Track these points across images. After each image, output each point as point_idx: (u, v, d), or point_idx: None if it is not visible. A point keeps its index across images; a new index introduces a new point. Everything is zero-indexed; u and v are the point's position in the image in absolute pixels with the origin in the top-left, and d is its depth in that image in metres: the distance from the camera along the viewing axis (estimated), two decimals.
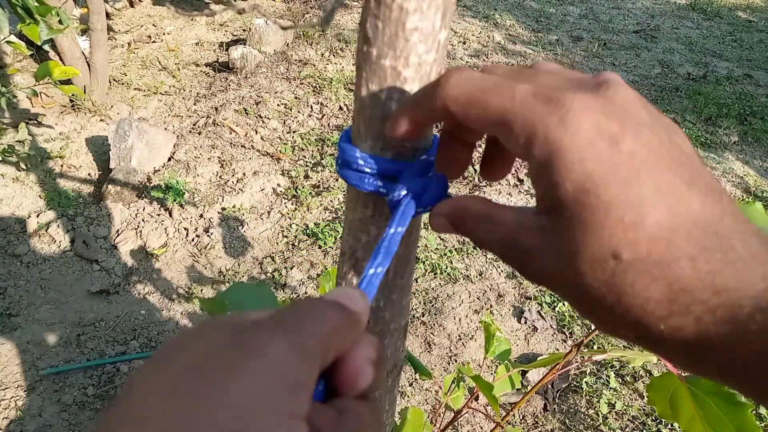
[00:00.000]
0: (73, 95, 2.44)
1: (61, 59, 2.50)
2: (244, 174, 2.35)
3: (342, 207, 2.24)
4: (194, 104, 2.77)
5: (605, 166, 0.21)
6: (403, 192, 0.31)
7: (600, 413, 1.60)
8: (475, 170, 2.50)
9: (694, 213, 0.20)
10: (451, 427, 1.51)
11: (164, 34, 3.32)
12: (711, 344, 0.20)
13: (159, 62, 3.05)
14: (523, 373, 1.66)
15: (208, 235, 2.06)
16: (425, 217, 0.33)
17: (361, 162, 0.31)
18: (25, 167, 2.20)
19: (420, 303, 1.90)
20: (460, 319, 1.86)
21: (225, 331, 0.19)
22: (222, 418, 0.16)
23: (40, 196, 2.14)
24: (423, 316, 1.85)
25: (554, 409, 1.62)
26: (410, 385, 1.65)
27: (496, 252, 0.26)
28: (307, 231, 2.12)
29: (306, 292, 1.89)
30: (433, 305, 1.89)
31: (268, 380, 0.18)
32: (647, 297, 0.21)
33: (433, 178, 0.32)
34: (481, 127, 0.25)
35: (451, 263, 2.05)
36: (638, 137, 0.21)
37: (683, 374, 0.58)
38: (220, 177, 2.34)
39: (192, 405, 0.17)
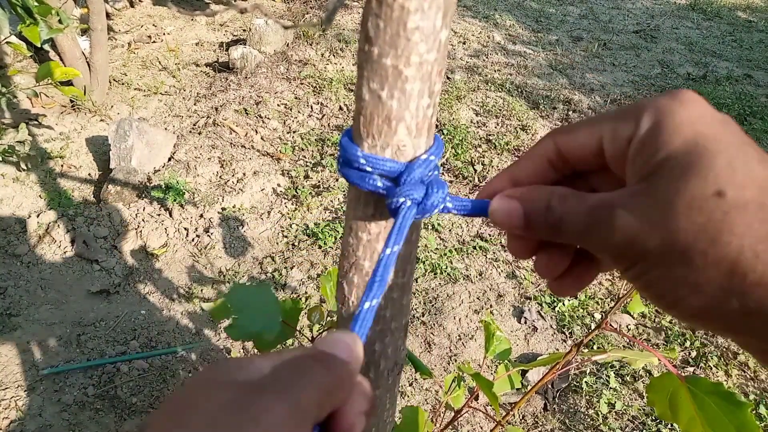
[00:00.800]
0: (73, 95, 2.44)
1: (61, 59, 2.50)
2: (244, 174, 2.35)
3: (342, 207, 2.24)
4: (194, 104, 2.77)
5: (716, 130, 0.23)
6: (401, 199, 0.31)
7: (600, 413, 1.60)
8: (478, 182, 2.51)
9: None
10: (451, 426, 1.51)
11: (164, 34, 3.32)
12: None
13: (159, 62, 3.05)
14: (523, 373, 1.66)
15: (208, 235, 2.06)
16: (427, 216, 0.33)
17: (362, 161, 0.31)
18: (25, 167, 2.20)
19: (420, 303, 1.90)
20: (460, 319, 1.86)
21: (229, 391, 0.21)
22: None
23: (40, 196, 2.15)
24: (423, 316, 1.85)
25: (554, 408, 1.62)
26: (410, 384, 1.65)
27: (578, 229, 0.26)
28: (307, 231, 2.12)
29: (306, 292, 1.89)
30: (433, 305, 1.89)
31: None
32: (750, 235, 0.21)
33: (434, 183, 0.32)
34: (589, 137, 0.27)
35: (451, 263, 2.05)
36: (734, 125, 0.24)
37: (683, 374, 0.58)
38: (220, 177, 2.34)
39: None
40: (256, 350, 0.61)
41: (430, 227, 2.19)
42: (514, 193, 0.29)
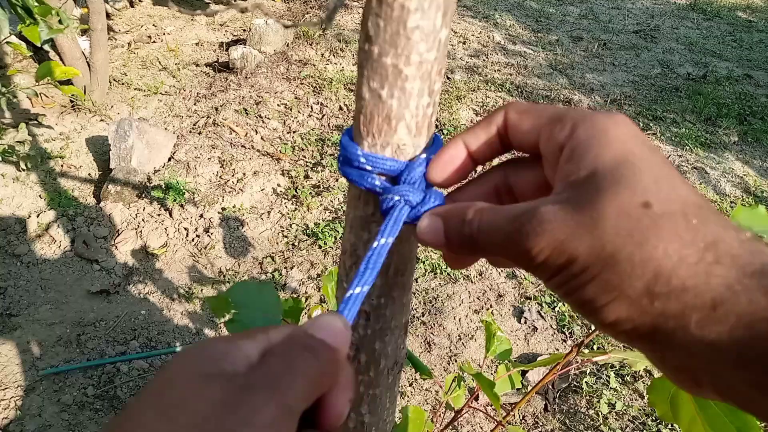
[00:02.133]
0: (73, 95, 2.44)
1: (61, 59, 2.50)
2: (244, 174, 2.35)
3: (342, 207, 2.24)
4: (194, 104, 2.77)
5: (644, 151, 0.25)
6: (396, 197, 0.31)
7: (600, 413, 1.60)
8: None
9: (706, 200, 0.24)
10: (451, 426, 1.51)
11: (164, 34, 3.32)
12: (727, 306, 0.21)
13: (159, 62, 3.05)
14: (523, 373, 1.66)
15: (208, 235, 2.06)
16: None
17: (362, 160, 0.31)
18: (25, 167, 2.20)
19: (420, 303, 1.90)
20: (460, 319, 1.86)
21: (218, 387, 0.21)
22: None
23: (40, 196, 2.15)
24: (423, 315, 1.85)
25: (554, 409, 1.62)
26: (410, 385, 1.65)
27: (496, 241, 0.26)
28: (307, 231, 2.12)
29: (306, 292, 1.89)
30: (433, 305, 1.89)
31: None
32: (676, 240, 0.22)
33: (432, 192, 0.32)
34: (532, 129, 0.28)
35: None
36: (660, 151, 0.26)
37: None
38: (220, 177, 2.34)
39: None
40: None
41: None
42: (439, 211, 0.30)
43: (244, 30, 3.44)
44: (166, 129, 2.54)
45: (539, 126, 0.28)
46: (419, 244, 0.35)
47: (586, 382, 1.68)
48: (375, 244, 0.30)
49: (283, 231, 2.14)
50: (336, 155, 2.51)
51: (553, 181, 0.27)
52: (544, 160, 0.28)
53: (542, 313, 1.89)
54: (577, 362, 0.87)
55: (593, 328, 0.50)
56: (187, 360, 0.22)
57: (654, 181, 0.23)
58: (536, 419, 1.59)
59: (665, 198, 0.23)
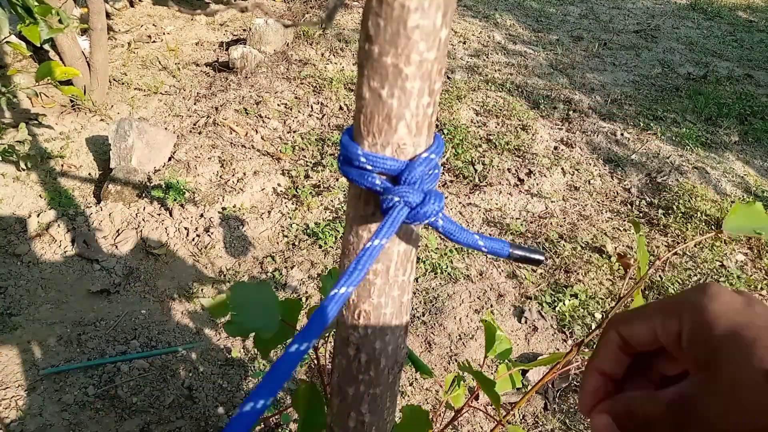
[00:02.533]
0: (73, 95, 2.44)
1: (61, 59, 2.50)
2: (244, 174, 2.35)
3: (342, 207, 2.24)
4: (194, 104, 2.77)
5: (747, 317, 0.27)
6: (396, 198, 0.31)
7: None
8: (479, 180, 2.50)
9: None
10: (451, 426, 1.51)
11: (164, 33, 3.32)
12: None
13: (159, 62, 3.05)
14: (524, 373, 1.66)
15: (208, 235, 2.06)
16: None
17: (362, 159, 0.31)
18: (25, 167, 2.20)
19: (420, 303, 1.90)
20: (460, 319, 1.86)
21: None
22: None
23: (40, 195, 2.15)
24: (423, 315, 1.85)
25: (554, 408, 1.62)
26: (410, 384, 1.65)
27: (663, 429, 0.28)
28: (308, 231, 2.12)
29: (306, 292, 1.89)
30: (433, 305, 1.89)
31: None
32: None
33: (433, 193, 0.32)
34: (647, 334, 0.31)
35: (452, 263, 2.05)
36: (759, 306, 0.29)
37: None
38: (220, 177, 2.34)
39: None
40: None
41: (430, 227, 2.19)
42: (603, 408, 0.32)
43: (244, 30, 3.44)
44: (166, 129, 2.54)
45: (651, 327, 0.31)
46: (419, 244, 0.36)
47: None
48: (369, 244, 0.30)
49: (283, 231, 2.14)
50: (336, 155, 2.51)
51: (686, 365, 0.29)
52: (668, 347, 0.31)
53: (543, 313, 1.89)
54: (577, 362, 0.86)
55: (593, 327, 0.50)
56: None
57: (765, 348, 0.25)
58: (536, 419, 1.59)
59: None
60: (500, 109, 2.94)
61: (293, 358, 0.27)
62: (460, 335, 1.80)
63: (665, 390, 0.29)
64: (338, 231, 2.10)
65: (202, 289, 1.88)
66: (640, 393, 0.31)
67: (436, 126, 0.34)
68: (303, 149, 2.53)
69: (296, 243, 2.08)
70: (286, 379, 0.26)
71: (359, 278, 0.30)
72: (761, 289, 2.05)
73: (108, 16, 2.98)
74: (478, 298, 1.94)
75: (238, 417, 0.25)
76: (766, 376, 0.25)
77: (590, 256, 2.11)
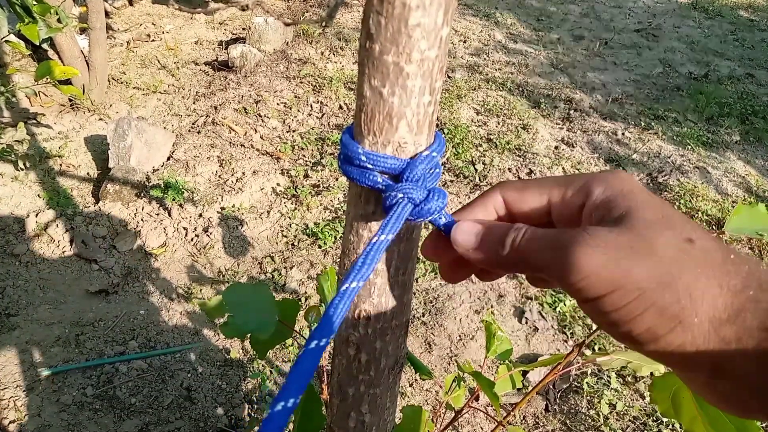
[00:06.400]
0: (72, 94, 2.44)
1: (60, 58, 2.50)
2: (243, 173, 2.34)
3: (342, 206, 2.23)
4: (193, 103, 2.77)
5: (659, 200, 0.27)
6: (399, 195, 0.31)
7: (601, 414, 1.60)
8: (480, 180, 2.50)
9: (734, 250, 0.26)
10: (451, 426, 1.51)
11: (163, 32, 3.32)
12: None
13: (158, 61, 3.04)
14: (524, 374, 1.66)
15: (207, 235, 2.06)
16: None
17: (363, 158, 0.31)
18: (23, 166, 2.19)
19: (420, 303, 1.89)
20: (460, 319, 1.85)
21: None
22: None
23: (39, 195, 2.14)
24: (423, 316, 1.85)
25: (555, 409, 1.62)
26: (410, 385, 1.64)
27: (544, 257, 0.26)
28: (307, 231, 2.12)
29: (306, 292, 1.89)
30: (433, 305, 1.89)
31: None
32: (723, 272, 0.23)
33: (436, 190, 0.32)
34: (537, 202, 0.30)
35: None
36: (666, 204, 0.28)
37: None
38: (219, 176, 2.33)
39: None
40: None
41: (430, 226, 2.19)
42: (482, 221, 0.31)
43: (244, 28, 3.43)
44: (165, 128, 2.53)
45: (546, 197, 0.29)
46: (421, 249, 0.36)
47: (587, 382, 1.68)
48: (375, 239, 0.30)
49: (282, 231, 2.13)
50: (336, 154, 2.50)
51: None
52: (559, 220, 0.29)
53: (543, 314, 1.89)
54: (578, 362, 0.86)
55: (594, 328, 0.50)
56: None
57: (687, 223, 0.25)
58: (537, 419, 1.59)
59: (702, 237, 0.24)
60: (501, 109, 2.94)
61: (314, 354, 0.27)
62: (460, 336, 1.80)
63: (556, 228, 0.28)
64: (338, 231, 2.10)
65: (200, 290, 1.87)
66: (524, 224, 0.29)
67: (437, 125, 0.34)
68: (302, 149, 2.53)
69: (295, 243, 2.07)
70: (310, 375, 0.26)
71: (368, 273, 0.30)
72: None
73: (107, 14, 2.98)
74: (479, 298, 1.93)
75: (270, 418, 0.25)
76: (689, 240, 0.24)
77: None
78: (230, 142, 2.51)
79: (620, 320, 0.24)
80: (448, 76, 3.20)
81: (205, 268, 1.96)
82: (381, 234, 0.30)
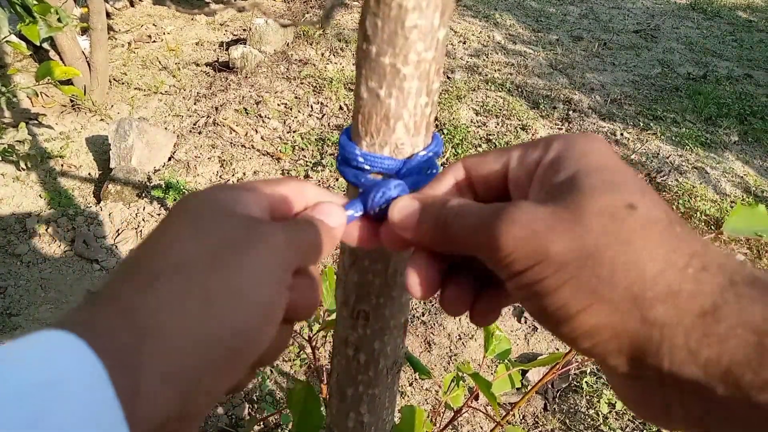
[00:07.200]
0: (73, 95, 2.44)
1: (61, 59, 2.50)
2: (244, 174, 2.35)
3: None
4: (194, 104, 2.77)
5: (621, 163, 0.25)
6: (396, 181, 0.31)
7: (600, 413, 1.60)
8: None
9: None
10: (451, 426, 1.51)
11: (164, 33, 3.32)
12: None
13: (159, 62, 3.05)
14: (523, 373, 1.66)
15: None
16: None
17: (360, 159, 0.31)
18: (25, 167, 2.20)
19: (420, 302, 1.90)
20: (460, 319, 1.86)
21: (239, 223, 0.25)
22: (243, 282, 0.23)
23: (40, 195, 2.15)
24: (423, 315, 1.85)
25: (554, 408, 1.62)
26: (410, 385, 1.65)
27: (471, 223, 0.25)
28: None
29: None
30: (433, 304, 1.89)
31: (271, 259, 0.25)
32: (662, 245, 0.21)
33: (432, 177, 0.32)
34: (498, 164, 0.28)
35: None
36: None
37: None
38: (220, 177, 2.34)
39: (224, 270, 0.23)
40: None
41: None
42: (417, 195, 0.29)
43: (244, 29, 3.44)
44: (166, 128, 2.54)
45: (506, 156, 0.27)
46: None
47: (586, 381, 1.68)
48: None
49: None
50: (336, 155, 2.50)
51: (529, 194, 0.26)
52: (515, 183, 0.27)
53: None
54: (577, 362, 0.86)
55: None
56: (206, 200, 0.26)
57: (638, 188, 0.22)
58: (536, 419, 1.59)
59: (649, 203, 0.22)
60: (500, 109, 2.94)
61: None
62: (459, 335, 1.80)
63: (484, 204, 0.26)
64: None
65: None
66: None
67: (436, 126, 0.34)
68: (303, 149, 2.53)
69: None
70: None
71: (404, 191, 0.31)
72: None
73: (108, 15, 2.98)
74: None
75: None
76: (630, 206, 0.21)
77: None
78: (231, 143, 2.52)
79: (536, 295, 0.22)
80: (448, 77, 3.20)
81: None
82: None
